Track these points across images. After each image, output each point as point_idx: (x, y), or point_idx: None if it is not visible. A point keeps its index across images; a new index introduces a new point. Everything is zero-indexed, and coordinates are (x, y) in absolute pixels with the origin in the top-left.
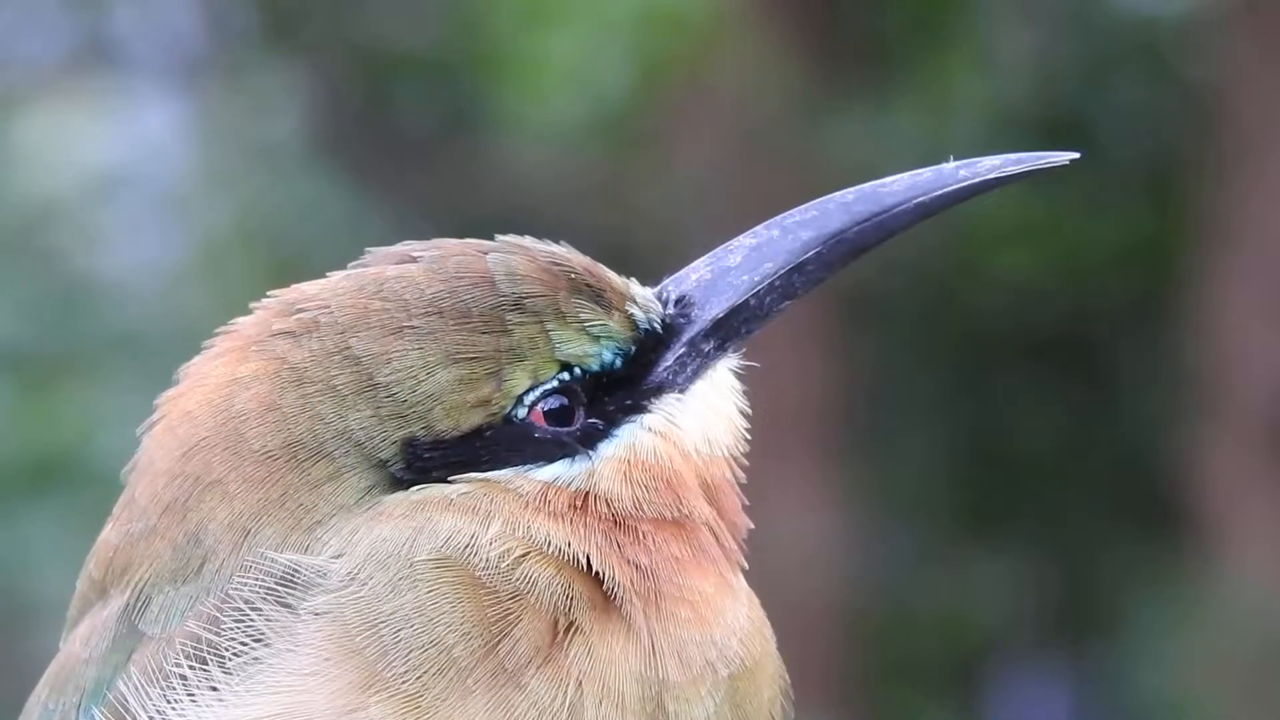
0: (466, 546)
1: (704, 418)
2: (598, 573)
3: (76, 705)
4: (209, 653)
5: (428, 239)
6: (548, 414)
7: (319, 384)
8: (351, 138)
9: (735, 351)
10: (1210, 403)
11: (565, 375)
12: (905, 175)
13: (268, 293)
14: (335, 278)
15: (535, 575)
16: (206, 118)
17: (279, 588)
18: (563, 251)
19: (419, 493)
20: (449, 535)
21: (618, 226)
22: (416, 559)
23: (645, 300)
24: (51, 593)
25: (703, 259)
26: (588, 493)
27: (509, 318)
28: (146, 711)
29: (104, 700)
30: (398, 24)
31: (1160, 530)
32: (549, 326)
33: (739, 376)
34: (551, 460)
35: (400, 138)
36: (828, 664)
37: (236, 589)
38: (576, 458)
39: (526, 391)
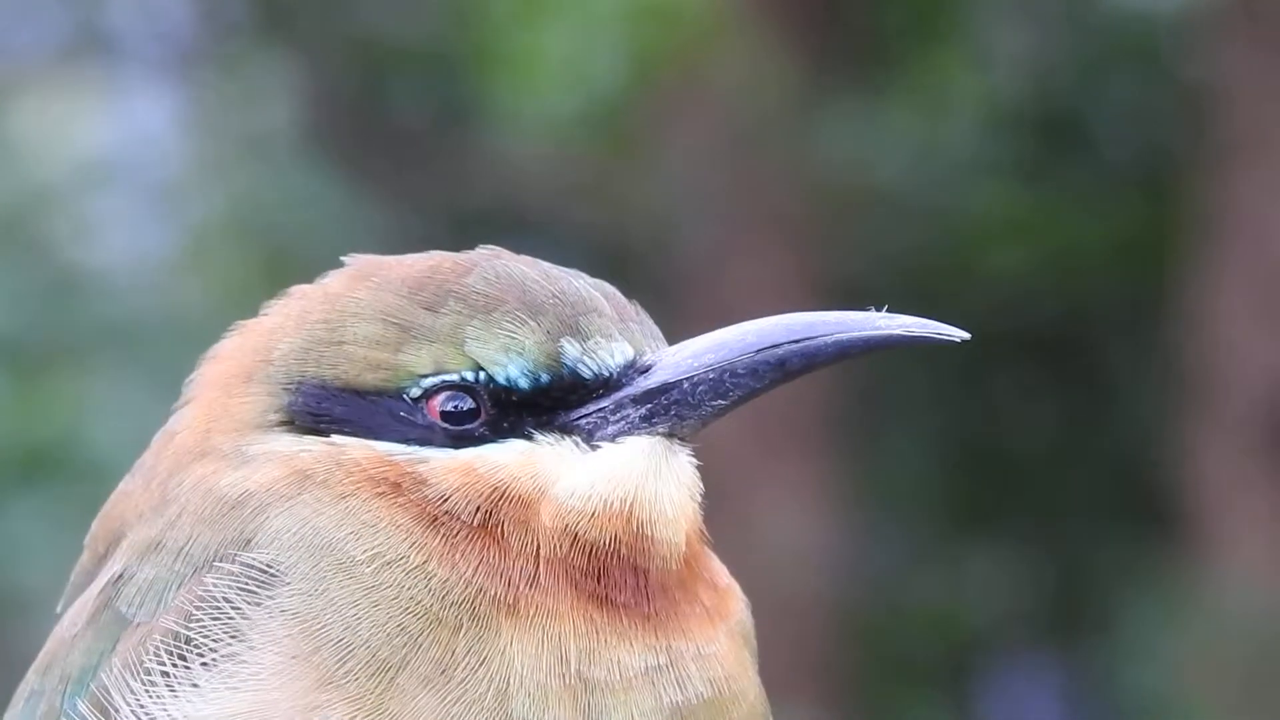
0: (384, 542)
1: (593, 474)
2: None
3: (62, 692)
4: (183, 647)
5: (417, 232)
6: (447, 410)
7: (293, 317)
8: (345, 130)
9: (669, 430)
10: (1203, 401)
11: (471, 376)
12: (840, 312)
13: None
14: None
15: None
16: (199, 109)
17: (250, 583)
18: (577, 283)
19: (277, 442)
20: (374, 528)
21: (610, 221)
22: (356, 559)
23: (599, 350)
24: (40, 585)
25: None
26: (413, 473)
27: (448, 303)
28: (128, 704)
29: (88, 693)
30: (391, 16)
31: (1153, 528)
32: (472, 321)
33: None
34: (412, 442)
35: (394, 131)
36: (820, 661)
37: (211, 583)
38: (436, 444)
39: (429, 375)
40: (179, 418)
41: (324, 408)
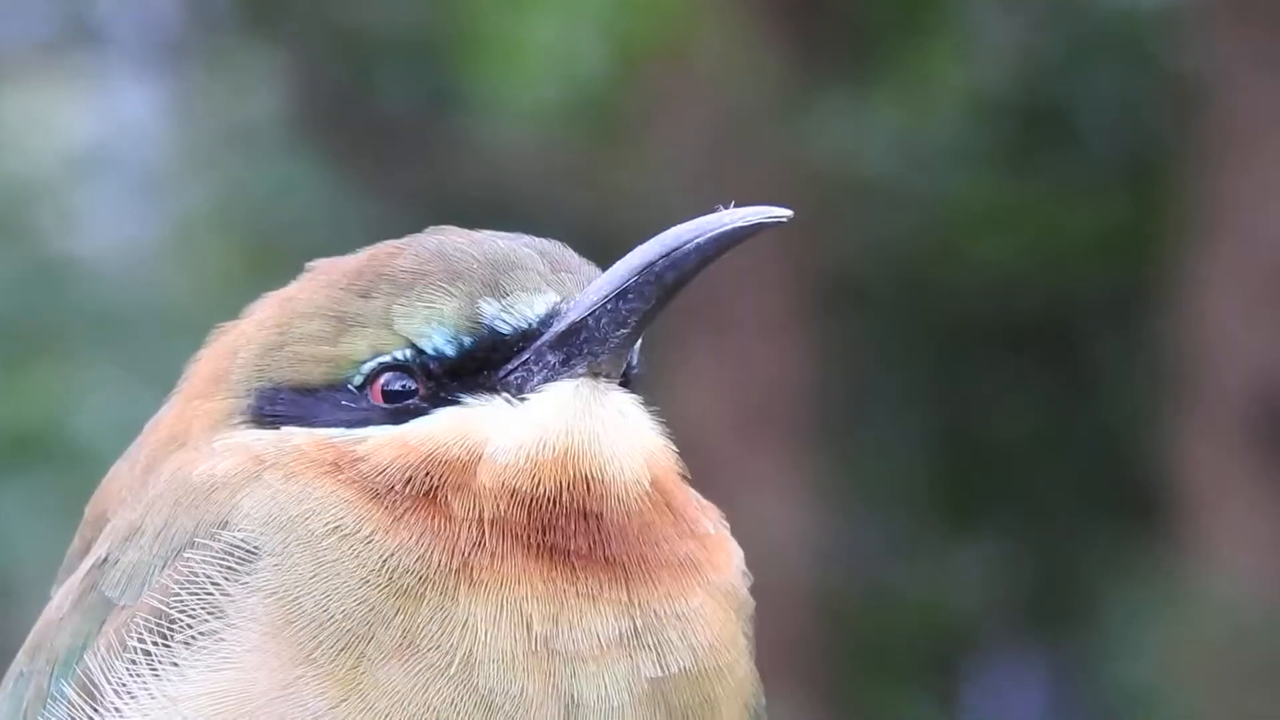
0: (352, 519)
1: (522, 427)
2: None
3: (49, 674)
4: (166, 626)
5: (403, 222)
6: (390, 390)
7: (257, 321)
8: (331, 120)
9: (589, 369)
10: (1189, 394)
11: (407, 353)
12: (697, 219)
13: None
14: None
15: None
16: (185, 99)
17: (228, 558)
18: (502, 243)
19: (238, 435)
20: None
21: (596, 209)
22: (320, 540)
23: (517, 304)
24: (27, 571)
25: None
26: (354, 453)
27: (379, 286)
28: (110, 685)
29: (73, 674)
30: (377, 6)
31: (1137, 521)
32: (398, 300)
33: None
34: (352, 424)
35: (380, 120)
36: (803, 653)
37: (189, 561)
38: (369, 427)
39: (368, 360)
40: (163, 411)
41: (276, 408)
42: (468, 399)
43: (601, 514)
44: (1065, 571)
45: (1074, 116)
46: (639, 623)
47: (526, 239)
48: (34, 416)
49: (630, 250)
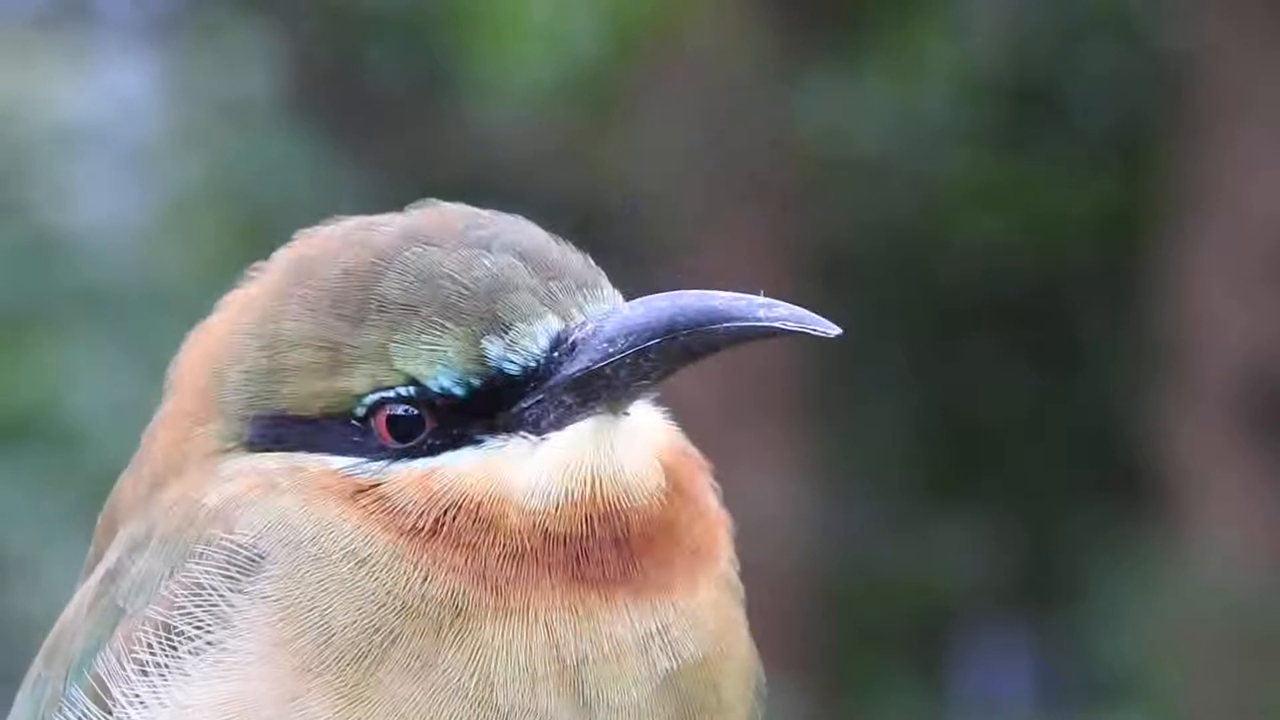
0: (363, 540)
1: (548, 467)
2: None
3: (63, 678)
4: (171, 634)
5: (395, 199)
6: (392, 422)
7: (239, 333)
8: (322, 97)
9: (608, 408)
10: (1178, 372)
11: (412, 389)
12: (729, 296)
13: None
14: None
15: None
16: (177, 75)
17: (230, 567)
18: (488, 263)
19: (242, 461)
20: (349, 528)
21: (588, 188)
22: (331, 552)
23: (521, 339)
24: (19, 551)
25: (616, 307)
26: (371, 486)
27: (369, 316)
28: (121, 691)
29: (83, 680)
30: None
31: (1126, 499)
32: (394, 337)
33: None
34: (362, 456)
35: (372, 97)
36: (791, 630)
37: (193, 569)
38: (384, 461)
39: (366, 394)
40: (157, 423)
41: (279, 435)
42: (486, 439)
43: (628, 535)
44: (1054, 549)
45: (1064, 94)
46: (656, 624)
47: (504, 237)
48: (25, 395)
49: (650, 295)
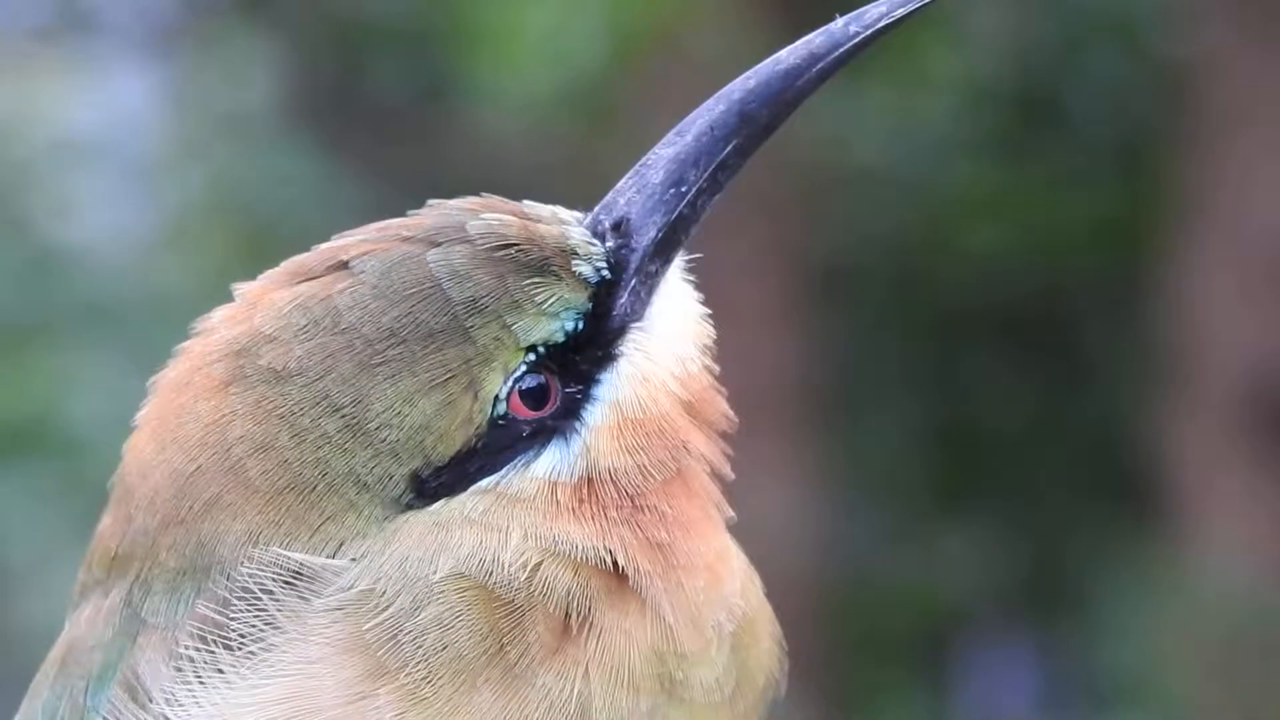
0: (487, 562)
1: (670, 338)
2: (612, 565)
3: (84, 690)
4: (219, 636)
5: (396, 210)
6: (524, 396)
7: (312, 432)
8: (325, 108)
9: (679, 257)
10: (1181, 380)
11: (531, 356)
12: (798, 44)
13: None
14: (277, 302)
15: (551, 581)
16: (179, 86)
17: (295, 580)
18: (497, 223)
19: (440, 511)
20: (469, 553)
21: (590, 197)
22: (436, 578)
23: (586, 248)
24: (19, 560)
25: (625, 180)
26: (590, 478)
27: (469, 324)
28: (160, 690)
29: (116, 678)
30: None
31: (1129, 507)
32: (508, 320)
33: (688, 273)
34: (543, 447)
35: (373, 108)
36: (796, 639)
37: (252, 575)
38: (569, 437)
39: (501, 386)
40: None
41: (437, 482)
42: (616, 350)
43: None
44: (1057, 557)
45: (1066, 104)
46: (722, 615)
47: (472, 210)
48: (28, 407)
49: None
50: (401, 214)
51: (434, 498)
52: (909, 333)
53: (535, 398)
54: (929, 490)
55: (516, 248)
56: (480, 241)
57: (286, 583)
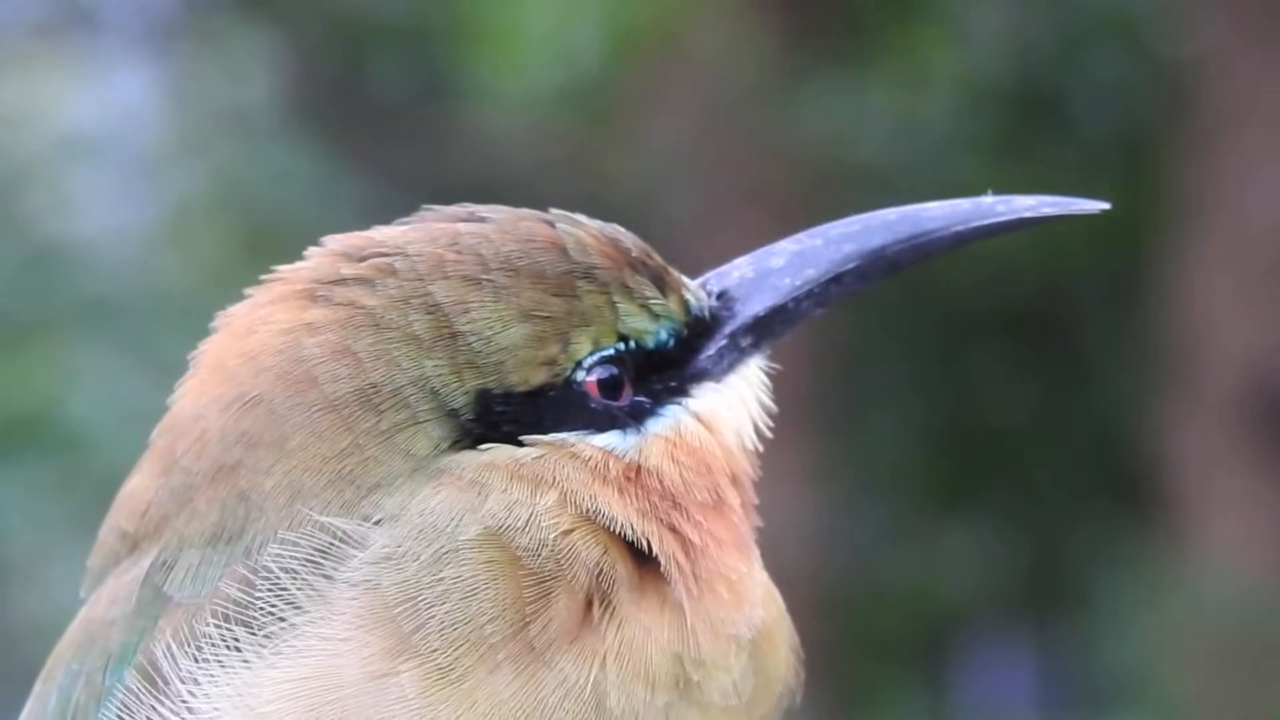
0: (516, 523)
1: (736, 411)
2: (647, 547)
3: (103, 669)
4: (241, 615)
5: (398, 208)
6: (600, 384)
7: (397, 329)
8: (325, 105)
9: (766, 351)
10: (1182, 380)
11: (621, 346)
12: (945, 203)
13: (238, 259)
14: (397, 229)
15: (579, 551)
16: (180, 83)
17: (317, 555)
18: (621, 232)
19: (489, 453)
20: (501, 509)
21: (591, 196)
22: (462, 537)
23: (695, 289)
24: (20, 555)
25: (745, 258)
26: (639, 466)
27: (579, 284)
28: (178, 674)
29: (133, 662)
30: None
31: (1130, 506)
32: (615, 298)
33: (766, 375)
34: (604, 430)
35: (374, 106)
36: (798, 636)
37: (274, 555)
38: (627, 430)
39: (587, 356)
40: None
41: (500, 413)
42: (691, 390)
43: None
44: (1057, 556)
45: (1067, 102)
46: (742, 626)
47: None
48: (29, 402)
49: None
50: (402, 213)
51: (488, 431)
52: (910, 331)
53: (609, 387)
54: (929, 489)
55: (635, 252)
56: (605, 231)
57: (309, 558)
